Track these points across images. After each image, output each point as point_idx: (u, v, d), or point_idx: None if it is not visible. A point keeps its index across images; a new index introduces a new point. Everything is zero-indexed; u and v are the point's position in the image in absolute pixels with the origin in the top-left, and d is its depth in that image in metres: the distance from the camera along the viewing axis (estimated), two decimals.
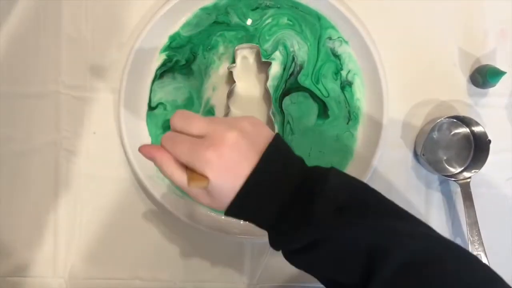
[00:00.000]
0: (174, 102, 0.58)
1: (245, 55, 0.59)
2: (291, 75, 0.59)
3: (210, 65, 0.58)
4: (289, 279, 0.59)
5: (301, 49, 0.59)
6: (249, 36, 0.58)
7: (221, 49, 0.58)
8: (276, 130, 0.58)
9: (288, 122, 0.59)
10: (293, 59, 0.59)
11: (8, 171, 0.59)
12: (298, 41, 0.59)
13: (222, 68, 0.59)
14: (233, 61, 0.58)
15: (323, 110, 0.59)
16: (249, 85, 0.59)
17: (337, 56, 0.59)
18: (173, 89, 0.58)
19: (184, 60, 0.58)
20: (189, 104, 0.58)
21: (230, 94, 0.57)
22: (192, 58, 0.58)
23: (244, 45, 0.58)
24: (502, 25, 0.59)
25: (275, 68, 0.58)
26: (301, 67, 0.59)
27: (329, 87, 0.59)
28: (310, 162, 0.57)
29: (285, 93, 0.59)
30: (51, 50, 0.59)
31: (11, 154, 0.59)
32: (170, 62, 0.58)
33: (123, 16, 0.59)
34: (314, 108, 0.59)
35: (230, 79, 0.58)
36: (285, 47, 0.59)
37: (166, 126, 0.58)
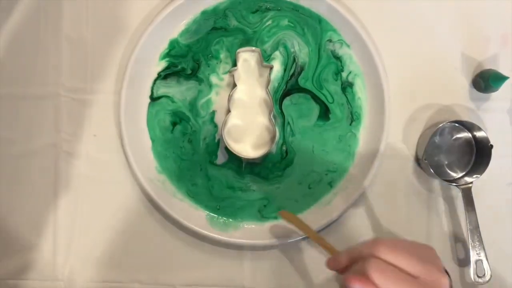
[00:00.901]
0: (184, 101, 0.58)
1: (246, 58, 0.58)
2: (292, 76, 0.58)
3: (212, 72, 0.58)
4: (288, 283, 0.59)
5: (301, 51, 0.58)
6: (248, 39, 0.58)
7: (222, 56, 0.58)
8: (278, 133, 0.57)
9: (288, 123, 0.58)
10: (294, 59, 0.58)
11: (8, 173, 0.59)
12: (299, 42, 0.58)
13: (223, 74, 0.58)
14: (234, 64, 0.58)
15: (324, 113, 0.59)
16: (250, 88, 0.58)
17: (337, 58, 0.58)
18: (182, 89, 0.58)
19: (189, 69, 0.58)
20: (194, 106, 0.58)
21: (230, 97, 0.57)
22: (197, 67, 0.58)
23: (246, 48, 0.57)
24: (504, 29, 0.59)
25: (276, 69, 0.58)
26: (302, 69, 0.58)
27: (332, 90, 0.58)
28: (314, 160, 0.58)
29: (286, 94, 0.58)
30: (51, 51, 0.59)
31: (10, 156, 0.59)
32: (176, 67, 0.58)
33: (124, 17, 0.59)
34: (315, 109, 0.59)
35: (231, 82, 0.57)
36: (286, 47, 0.58)
37: (176, 116, 0.58)
